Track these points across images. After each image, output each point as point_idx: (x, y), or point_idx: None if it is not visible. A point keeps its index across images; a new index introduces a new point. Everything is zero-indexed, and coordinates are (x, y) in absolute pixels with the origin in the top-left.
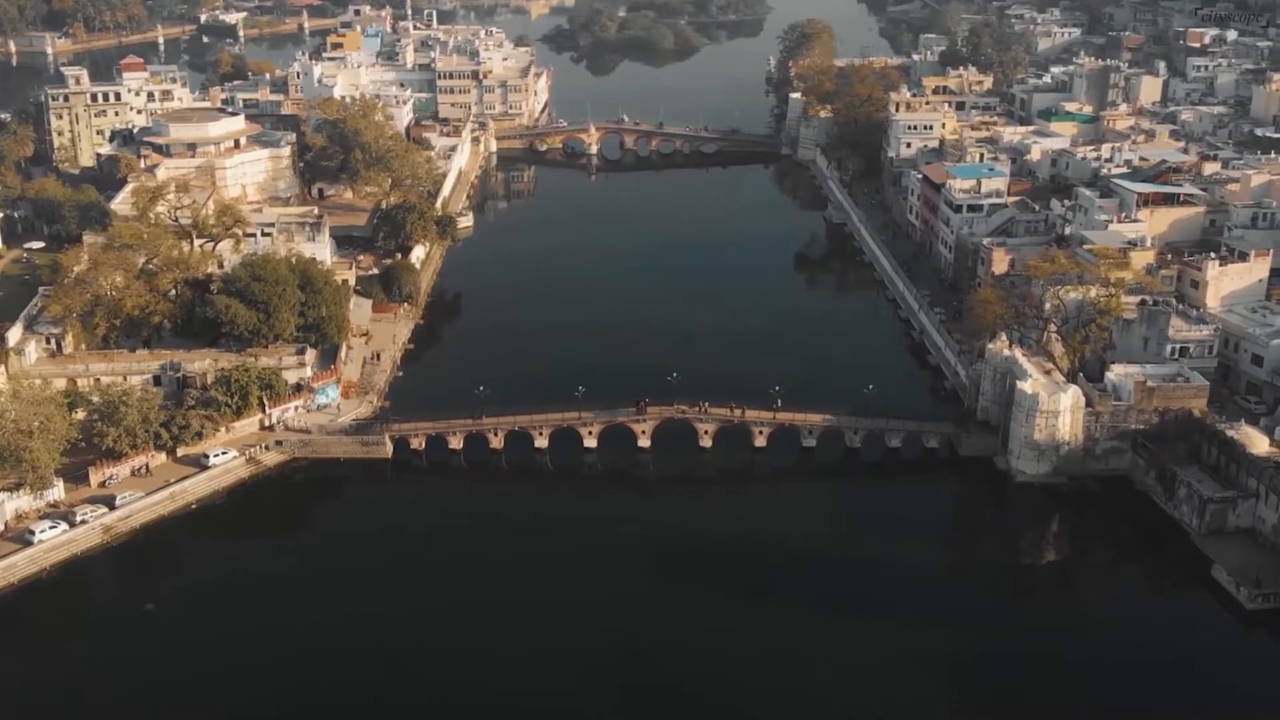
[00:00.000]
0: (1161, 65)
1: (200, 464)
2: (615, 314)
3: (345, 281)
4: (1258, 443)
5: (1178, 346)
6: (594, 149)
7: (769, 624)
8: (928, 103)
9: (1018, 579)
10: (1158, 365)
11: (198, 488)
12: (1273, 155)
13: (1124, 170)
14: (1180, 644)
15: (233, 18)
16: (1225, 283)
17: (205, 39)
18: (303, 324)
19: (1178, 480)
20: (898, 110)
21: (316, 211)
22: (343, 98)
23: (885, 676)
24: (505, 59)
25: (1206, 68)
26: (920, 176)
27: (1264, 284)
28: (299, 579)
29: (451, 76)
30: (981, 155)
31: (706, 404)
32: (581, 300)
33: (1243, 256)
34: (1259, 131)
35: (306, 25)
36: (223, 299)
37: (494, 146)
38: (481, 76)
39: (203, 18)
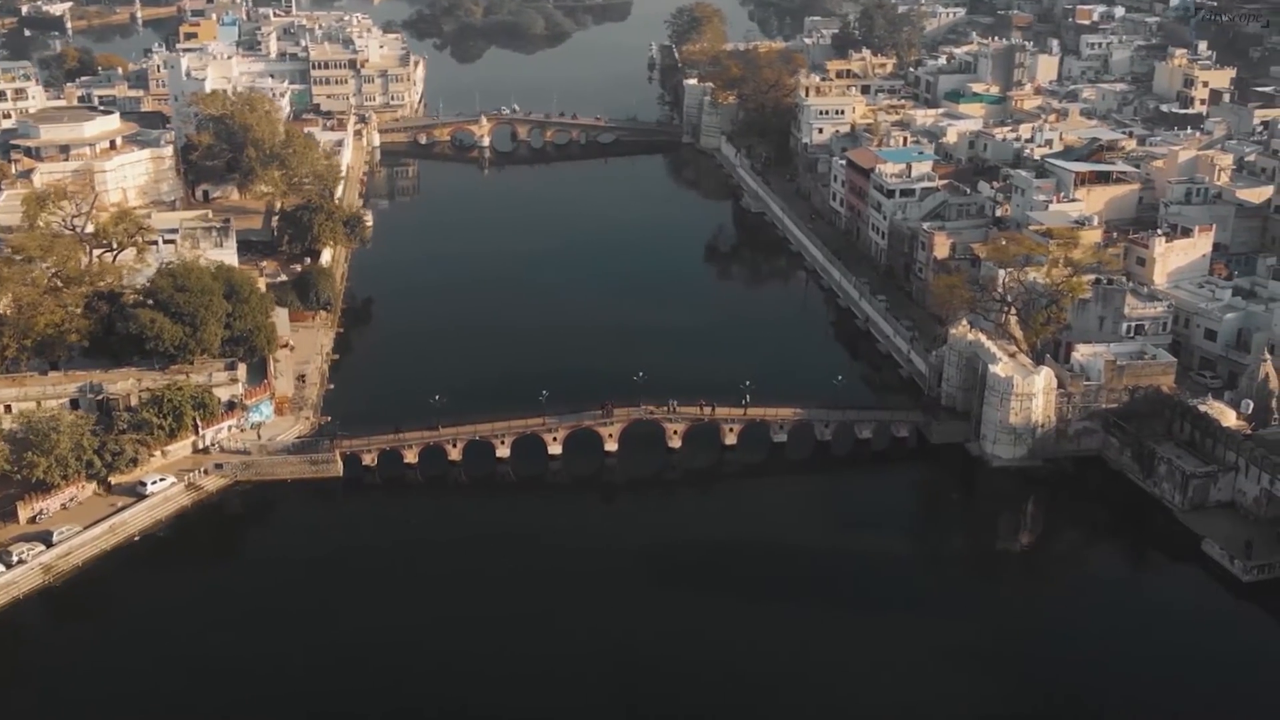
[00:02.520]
0: (1054, 44)
1: (137, 493)
2: (551, 315)
3: (269, 289)
4: (1226, 417)
5: (1133, 324)
6: (486, 141)
7: (767, 626)
8: (835, 87)
9: (1011, 564)
10: (1120, 344)
11: (138, 519)
12: (1191, 131)
13: (1046, 150)
14: (1181, 620)
15: (58, 8)
16: (1171, 259)
17: (27, 32)
18: (229, 336)
19: (1157, 457)
20: (807, 95)
21: (211, 215)
22: (225, 91)
23: (891, 671)
24: (381, 47)
25: (1101, 45)
26: (845, 162)
27: (1207, 259)
28: (257, 611)
29: (327, 66)
30: (905, 139)
31: (675, 403)
32: (510, 302)
33: (1186, 232)
34: (1164, 107)
35: (140, 15)
36: (147, 312)
37: (377, 140)
38: (359, 66)
39: (24, 9)
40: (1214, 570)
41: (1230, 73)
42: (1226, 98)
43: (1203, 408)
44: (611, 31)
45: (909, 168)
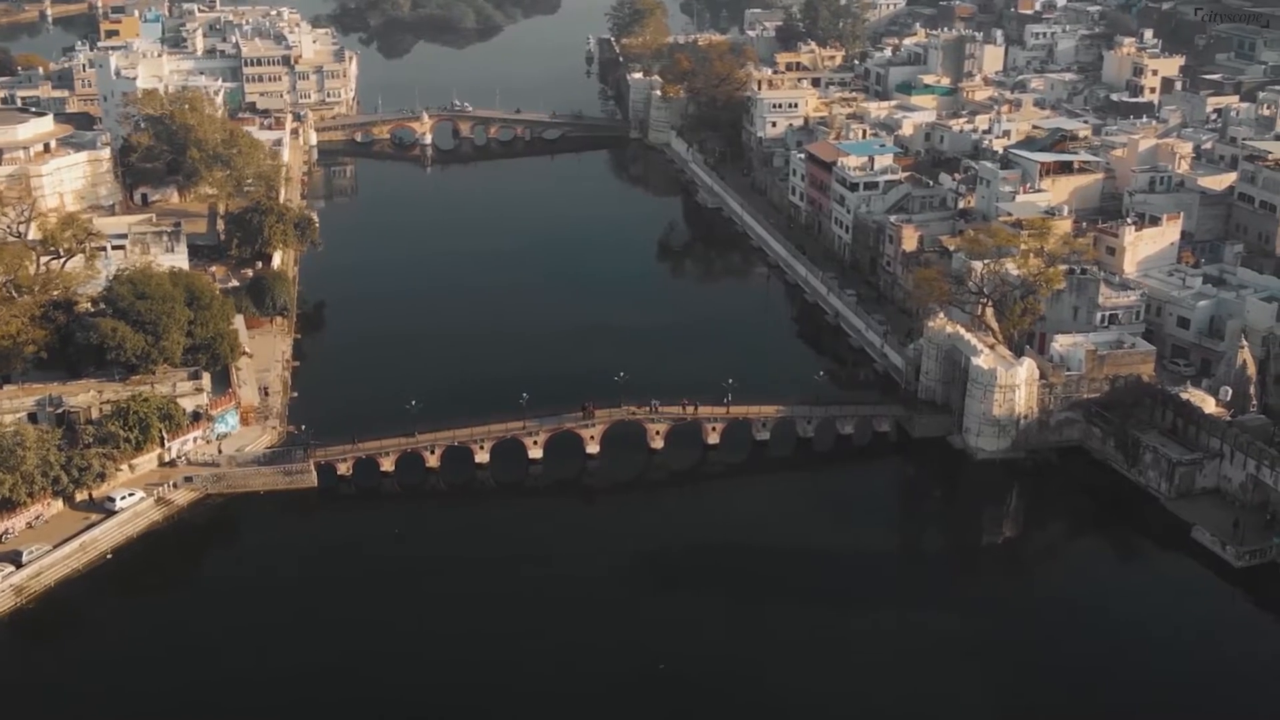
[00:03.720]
0: (998, 34)
1: (105, 509)
2: (516, 317)
3: (228, 295)
4: (1206, 404)
5: (1107, 314)
6: (428, 139)
7: (764, 627)
8: (787, 80)
9: (1002, 557)
10: (1096, 334)
11: (109, 536)
12: (1146, 120)
13: (1004, 142)
14: (1177, 608)
15: None
16: (1141, 248)
17: None
18: (190, 345)
19: (1142, 446)
20: (760, 88)
21: (155, 219)
22: (161, 91)
23: (892, 667)
24: (314, 42)
25: (1045, 35)
26: (805, 155)
27: (1175, 247)
28: (238, 629)
29: (260, 63)
30: (864, 132)
31: (657, 403)
32: (470, 305)
33: (1154, 221)
34: (1114, 96)
35: (49, 12)
36: (108, 321)
37: (314, 139)
38: (293, 62)
39: None
40: (1205, 557)
41: (1179, 61)
42: (1178, 86)
43: (1184, 395)
44: (543, 24)
45: (871, 161)
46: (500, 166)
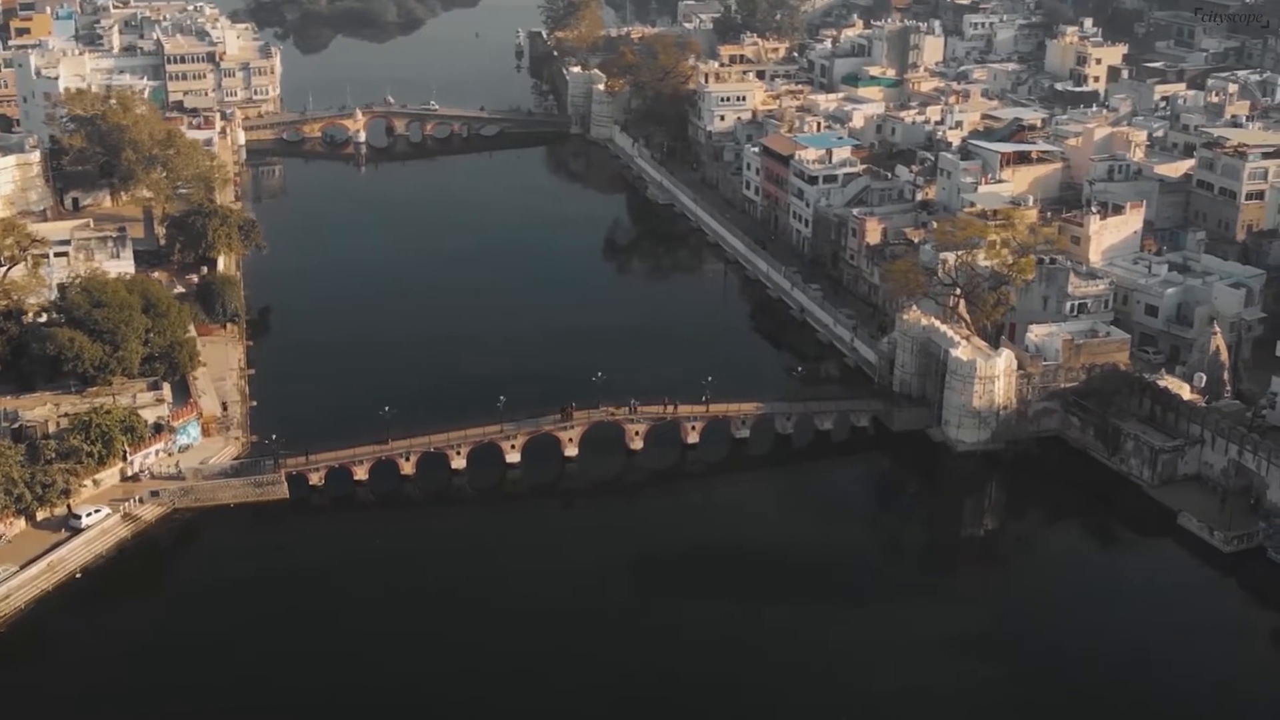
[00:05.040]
0: (936, 24)
1: (71, 527)
2: (476, 321)
3: (185, 302)
4: (1182, 391)
5: (1076, 303)
6: (361, 137)
7: (748, 627)
8: (733, 73)
9: (990, 548)
10: (1069, 323)
11: (77, 555)
12: (1095, 109)
13: (957, 133)
14: (1171, 594)
15: None
16: (1105, 237)
17: None
18: (147, 354)
19: (1123, 434)
20: (707, 81)
21: (92, 224)
22: (88, 90)
23: (890, 662)
24: (238, 38)
25: (984, 25)
26: (760, 149)
27: (1139, 235)
28: (215, 647)
29: (183, 60)
30: (819, 125)
31: (636, 403)
32: (424, 308)
33: (1118, 209)
34: (1059, 86)
35: None
36: (64, 331)
37: (242, 139)
38: (218, 59)
39: None
40: (1192, 542)
41: (1122, 49)
42: (1125, 74)
43: (1161, 383)
44: (465, 18)
45: (829, 154)
46: (438, 164)
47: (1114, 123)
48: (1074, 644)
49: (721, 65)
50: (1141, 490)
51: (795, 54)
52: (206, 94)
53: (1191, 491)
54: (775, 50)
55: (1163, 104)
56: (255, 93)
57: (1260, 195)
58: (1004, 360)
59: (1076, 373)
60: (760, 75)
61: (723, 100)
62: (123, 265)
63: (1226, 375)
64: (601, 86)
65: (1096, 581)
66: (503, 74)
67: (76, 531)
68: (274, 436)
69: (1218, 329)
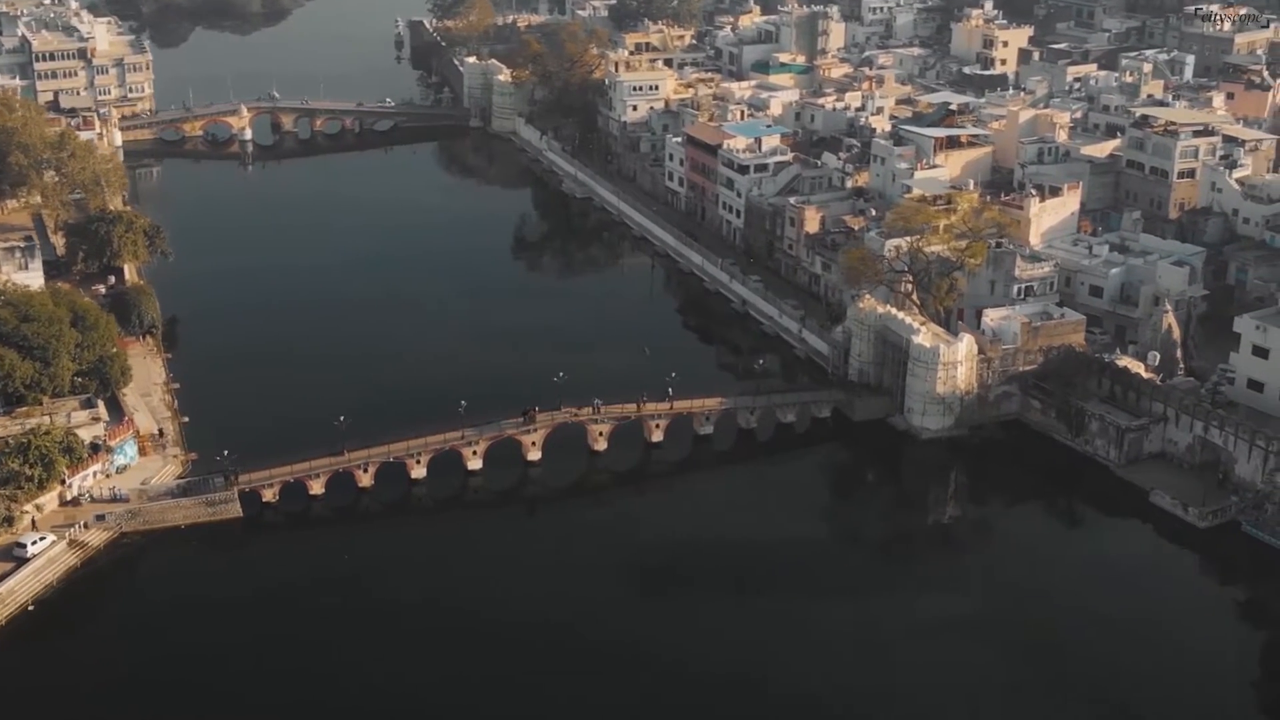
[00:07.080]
0: (835, 10)
1: (16, 556)
2: (401, 327)
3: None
4: (1137, 370)
5: (1024, 286)
6: (247, 134)
7: (720, 623)
8: (643, 61)
9: (964, 534)
10: (1020, 306)
11: (27, 586)
12: (1012, 91)
13: (881, 119)
14: (1151, 573)
15: None
16: (1045, 219)
17: None
18: (76, 370)
19: (1087, 415)
20: (618, 70)
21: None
22: None
23: (882, 658)
24: (107, 33)
25: (882, 9)
26: (684, 139)
27: (1075, 217)
28: (187, 674)
29: (53, 58)
30: (742, 113)
31: (600, 402)
32: (346, 315)
33: (1055, 192)
34: (966, 69)
35: None
36: None
37: (119, 139)
38: (90, 55)
39: None
40: (1166, 520)
41: (1028, 31)
42: (1036, 56)
43: (1120, 363)
44: (332, 7)
45: (759, 142)
46: (331, 161)
47: (1032, 105)
48: (1060, 625)
49: (630, 54)
50: (1109, 470)
51: (697, 41)
52: (79, 93)
53: (1159, 469)
54: (681, 38)
55: (1076, 85)
56: (130, 90)
57: (1192, 174)
58: (965, 345)
59: (1034, 355)
60: (669, 63)
61: (635, 90)
62: (31, 277)
63: (1179, 353)
64: (504, 77)
65: (1076, 562)
66: (384, 66)
67: (23, 561)
68: (225, 453)
69: (1169, 307)
